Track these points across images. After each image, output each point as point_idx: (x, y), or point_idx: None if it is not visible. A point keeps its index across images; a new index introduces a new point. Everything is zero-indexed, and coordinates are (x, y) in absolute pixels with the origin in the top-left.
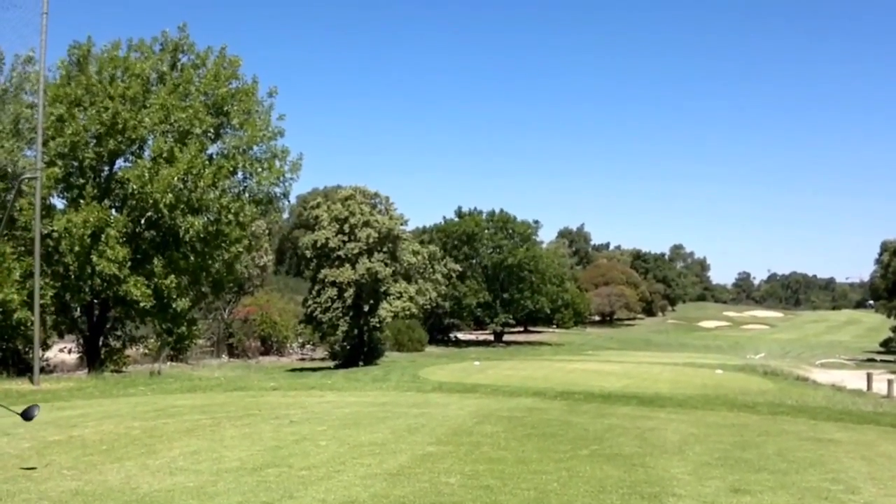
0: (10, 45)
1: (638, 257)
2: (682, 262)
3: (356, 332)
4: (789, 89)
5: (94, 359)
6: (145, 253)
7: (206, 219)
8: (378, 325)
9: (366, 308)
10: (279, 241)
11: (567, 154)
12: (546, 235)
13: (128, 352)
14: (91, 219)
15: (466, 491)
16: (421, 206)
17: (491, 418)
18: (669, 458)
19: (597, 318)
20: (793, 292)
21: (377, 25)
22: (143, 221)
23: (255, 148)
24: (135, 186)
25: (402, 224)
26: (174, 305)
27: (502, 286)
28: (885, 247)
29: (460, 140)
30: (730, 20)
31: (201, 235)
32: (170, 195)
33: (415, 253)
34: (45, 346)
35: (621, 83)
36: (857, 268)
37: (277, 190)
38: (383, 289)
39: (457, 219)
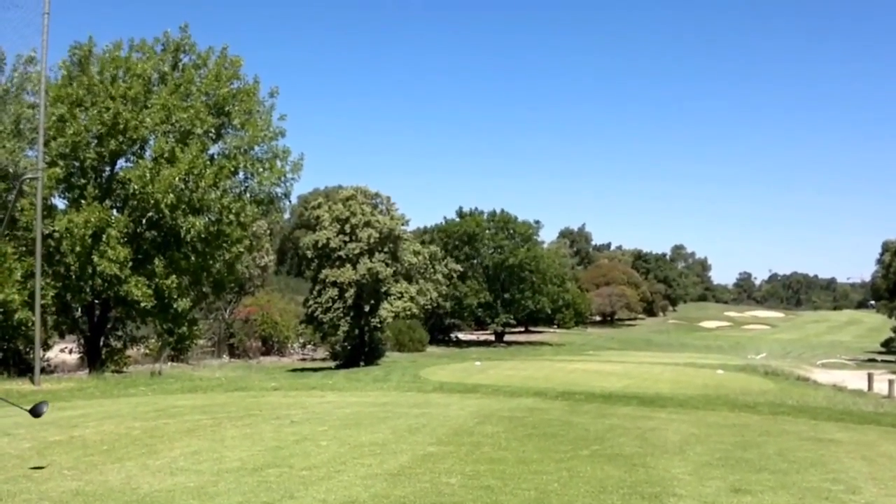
0: (12, 45)
1: (639, 257)
2: (683, 262)
3: (357, 332)
4: (789, 89)
5: (94, 359)
6: (146, 253)
7: (207, 219)
8: (379, 326)
9: (367, 308)
10: (280, 241)
11: (568, 154)
12: (547, 235)
13: (129, 352)
14: (92, 219)
15: (467, 491)
16: (422, 207)
17: (492, 418)
18: (670, 458)
19: (598, 318)
20: (794, 292)
21: (377, 25)
22: (144, 222)
23: (257, 148)
24: (136, 187)
25: (403, 224)
26: (175, 306)
27: (503, 286)
28: (886, 247)
29: (461, 140)
30: (730, 20)
31: (202, 236)
32: (171, 195)
33: (416, 253)
34: (46, 347)
35: (622, 83)
36: (859, 268)
37: (278, 190)
38: (384, 289)
39: (458, 219)
